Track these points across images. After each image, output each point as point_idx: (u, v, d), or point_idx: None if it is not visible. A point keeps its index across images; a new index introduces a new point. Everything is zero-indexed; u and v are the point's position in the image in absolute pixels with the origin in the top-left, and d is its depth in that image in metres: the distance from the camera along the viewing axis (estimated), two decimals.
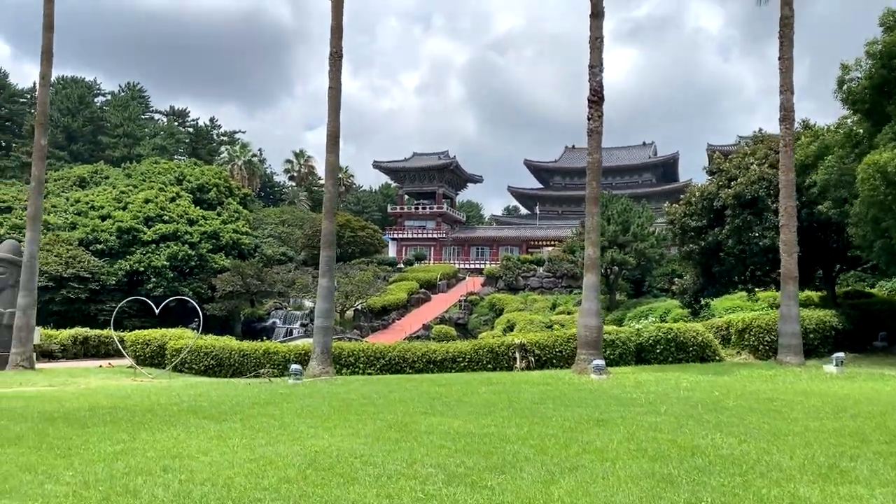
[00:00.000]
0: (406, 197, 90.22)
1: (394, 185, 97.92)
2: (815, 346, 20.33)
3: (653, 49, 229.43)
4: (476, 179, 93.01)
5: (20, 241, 24.98)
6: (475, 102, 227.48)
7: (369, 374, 19.95)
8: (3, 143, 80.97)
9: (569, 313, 41.73)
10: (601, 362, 15.96)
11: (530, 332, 30.27)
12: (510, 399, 12.11)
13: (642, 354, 20.60)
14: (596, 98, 17.48)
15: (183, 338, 24.98)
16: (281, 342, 28.33)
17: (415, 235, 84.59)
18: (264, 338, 38.52)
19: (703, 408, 10.84)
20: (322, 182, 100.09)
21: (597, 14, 17.74)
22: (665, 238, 44.45)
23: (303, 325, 47.03)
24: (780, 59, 18.58)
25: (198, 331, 25.01)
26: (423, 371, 19.98)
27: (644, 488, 5.95)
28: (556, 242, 65.91)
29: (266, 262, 49.82)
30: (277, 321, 48.16)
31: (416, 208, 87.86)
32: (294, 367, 16.60)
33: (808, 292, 28.07)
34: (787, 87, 18.34)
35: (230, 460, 6.87)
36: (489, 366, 20.18)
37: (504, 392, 13.22)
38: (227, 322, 45.42)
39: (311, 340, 28.14)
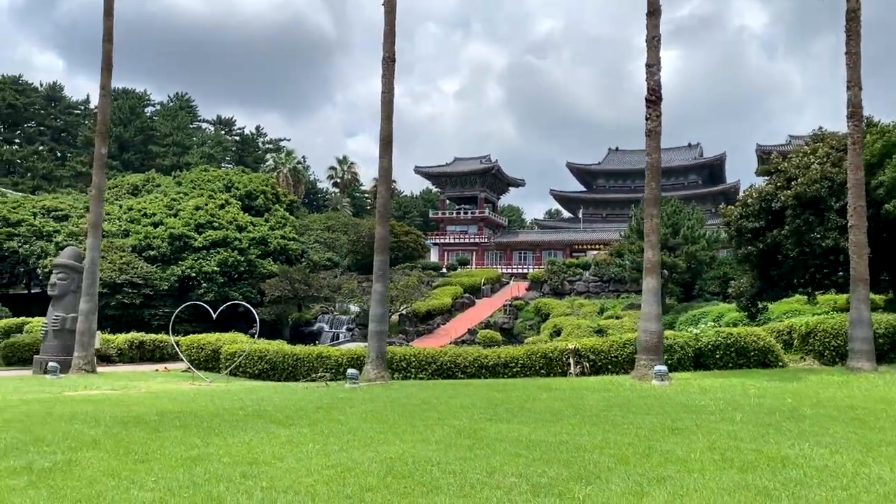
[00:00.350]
0: (447, 202, 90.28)
1: (435, 189, 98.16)
2: (885, 351, 19.50)
3: (696, 49, 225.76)
4: (518, 183, 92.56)
5: (80, 248, 25.65)
6: (514, 106, 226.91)
7: (420, 378, 19.86)
8: (59, 154, 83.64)
9: (617, 317, 41.05)
10: (663, 368, 15.55)
11: (578, 337, 29.84)
12: (574, 406, 11.84)
13: (701, 360, 20.06)
14: (654, 97, 17.09)
15: (236, 342, 25.30)
16: (330, 346, 28.46)
17: (456, 240, 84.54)
18: (316, 342, 38.87)
19: (780, 416, 10.41)
20: (364, 188, 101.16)
21: (653, 12, 17.36)
22: (716, 240, 43.46)
23: (349, 329, 47.32)
24: (846, 53, 17.90)
25: (255, 336, 25.33)
26: (474, 376, 19.80)
27: (741, 502, 5.67)
28: (601, 246, 65.07)
29: (312, 268, 50.28)
30: (324, 325, 48.55)
31: (458, 213, 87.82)
32: (351, 371, 16.61)
33: (872, 295, 27.03)
34: (854, 83, 17.65)
35: (307, 467, 6.79)
36: (542, 371, 19.90)
37: (566, 398, 12.95)
38: (276, 326, 45.93)
39: (359, 345, 28.30)
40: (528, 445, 8.01)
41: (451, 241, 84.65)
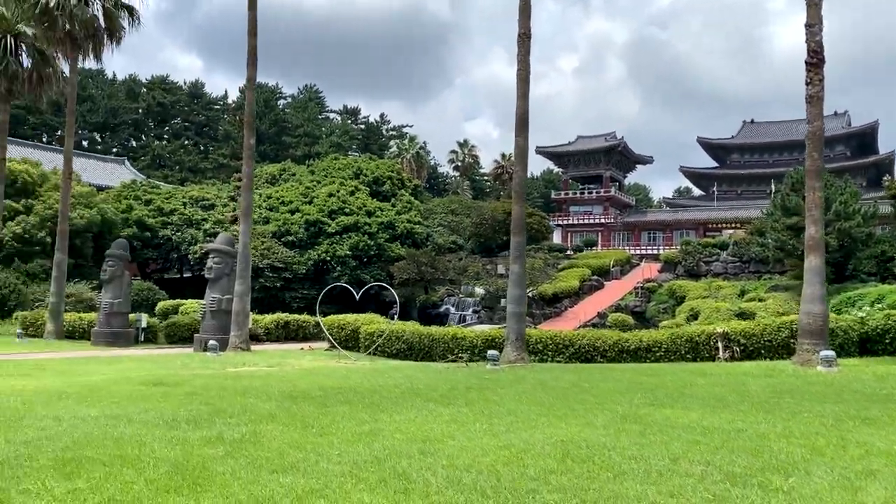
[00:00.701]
0: (570, 182, 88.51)
1: (557, 170, 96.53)
2: None
3: (842, 6, 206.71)
4: (646, 160, 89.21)
5: (231, 235, 27.33)
6: (636, 81, 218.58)
7: (558, 361, 19.56)
8: (202, 147, 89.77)
9: (760, 300, 38.58)
10: (830, 353, 14.38)
11: (717, 321, 28.30)
12: (738, 392, 11.16)
13: (867, 345, 18.46)
14: (815, 60, 15.71)
15: (374, 322, 26.16)
16: (460, 328, 28.74)
17: (580, 221, 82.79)
18: (443, 323, 39.42)
19: None
20: (483, 171, 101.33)
21: None
22: (872, 216, 39.71)
23: (475, 311, 47.63)
24: None
25: (394, 317, 26.06)
26: (614, 360, 19.27)
27: None
28: (738, 224, 61.47)
29: (437, 251, 51.00)
30: (451, 307, 49.14)
31: (582, 193, 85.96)
32: (491, 352, 16.63)
33: None
34: None
35: (480, 446, 6.76)
36: (688, 356, 19.05)
37: (726, 384, 12.26)
38: (405, 308, 47.05)
39: (491, 327, 28.35)
40: (703, 432, 7.58)
41: (575, 222, 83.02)
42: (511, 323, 18.21)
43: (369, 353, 22.63)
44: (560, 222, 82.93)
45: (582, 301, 48.75)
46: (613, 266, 55.65)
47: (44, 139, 76.21)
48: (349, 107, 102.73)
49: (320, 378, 12.99)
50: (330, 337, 23.28)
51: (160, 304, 38.44)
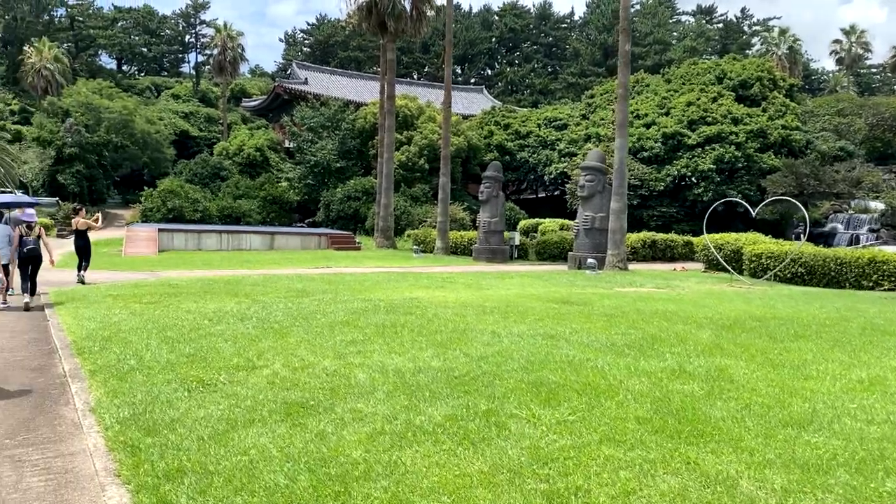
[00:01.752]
0: None
1: None
2: None
3: None
4: None
5: (602, 151, 26.66)
6: None
7: None
8: (550, 69, 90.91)
9: None
10: None
11: None
12: None
13: None
14: None
15: (758, 242, 23.44)
16: (877, 249, 24.19)
17: None
18: (836, 245, 34.17)
19: None
20: (869, 62, 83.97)
21: None
22: None
23: (871, 230, 40.29)
24: None
25: (802, 238, 23.18)
26: None
27: None
28: None
29: (821, 160, 43.98)
30: (838, 226, 42.35)
31: None
32: None
33: None
34: None
35: None
36: None
37: None
38: (777, 226, 42.00)
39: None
40: None
41: None
42: None
43: (766, 278, 20.19)
44: None
45: None
46: None
47: (414, 76, 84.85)
48: (703, 6, 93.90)
49: (734, 304, 11.55)
50: (719, 258, 21.42)
51: (521, 223, 40.24)
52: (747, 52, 77.10)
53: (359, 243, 34.68)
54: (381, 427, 4.75)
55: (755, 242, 23.51)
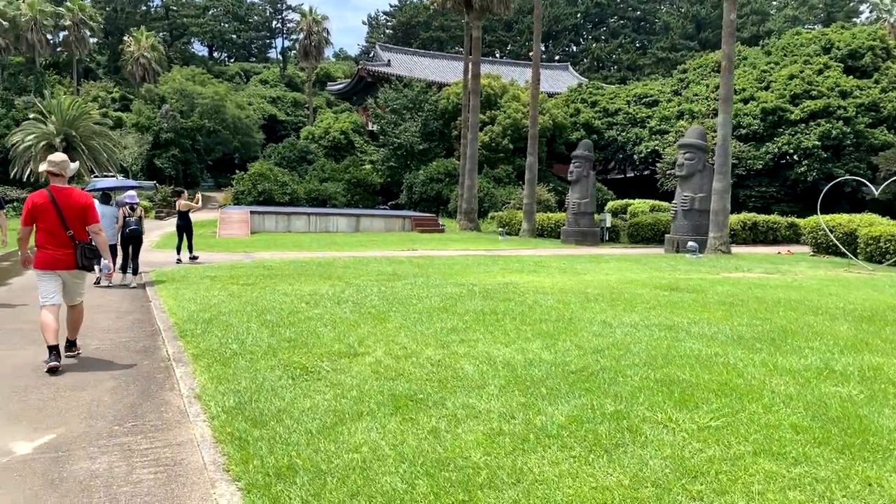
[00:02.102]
0: None
1: None
2: None
3: None
4: None
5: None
6: None
7: None
8: (638, 44, 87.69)
9: None
10: None
11: None
12: None
13: None
14: None
15: (875, 224, 21.64)
16: None
17: None
18: None
19: None
20: None
21: None
22: None
23: None
24: None
25: None
26: None
27: None
28: None
29: None
30: None
31: None
32: None
33: None
34: None
35: None
36: None
37: None
38: (891, 207, 38.95)
39: None
40: None
41: None
42: None
43: (891, 263, 18.58)
44: None
45: None
46: None
47: (496, 55, 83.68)
48: None
49: (863, 293, 10.52)
50: (835, 240, 19.91)
51: (609, 204, 38.97)
52: (854, 20, 71.81)
53: (442, 226, 34.46)
54: (498, 427, 4.36)
55: (871, 224, 21.71)
